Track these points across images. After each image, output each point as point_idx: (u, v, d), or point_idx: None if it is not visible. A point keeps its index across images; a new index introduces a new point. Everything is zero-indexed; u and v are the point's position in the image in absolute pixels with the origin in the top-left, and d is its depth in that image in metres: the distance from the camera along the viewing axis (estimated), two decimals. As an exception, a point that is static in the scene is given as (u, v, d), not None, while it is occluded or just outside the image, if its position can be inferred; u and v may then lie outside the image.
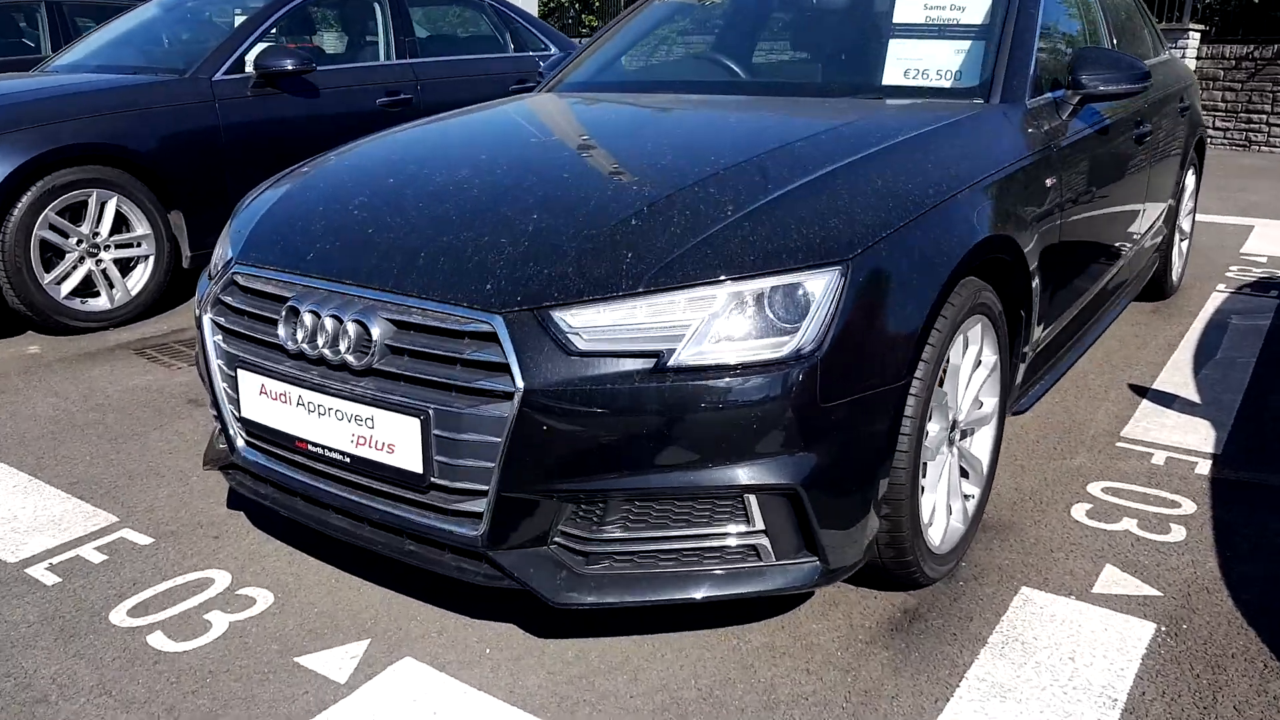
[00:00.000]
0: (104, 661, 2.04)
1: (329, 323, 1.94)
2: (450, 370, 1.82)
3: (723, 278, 1.76)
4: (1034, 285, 2.48)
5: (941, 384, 2.18)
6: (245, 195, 2.63)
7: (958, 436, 2.30)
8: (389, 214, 2.10)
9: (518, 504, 1.80)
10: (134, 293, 4.43)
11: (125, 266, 4.43)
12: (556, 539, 1.85)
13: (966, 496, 2.42)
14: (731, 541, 1.83)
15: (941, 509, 2.25)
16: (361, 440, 1.92)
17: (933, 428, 2.15)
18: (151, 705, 1.91)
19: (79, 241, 4.24)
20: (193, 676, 1.99)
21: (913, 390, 1.94)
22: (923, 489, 2.17)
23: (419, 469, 1.86)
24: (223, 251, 2.36)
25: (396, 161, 2.46)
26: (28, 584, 2.34)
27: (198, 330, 2.29)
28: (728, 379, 1.71)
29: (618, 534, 1.82)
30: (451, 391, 1.82)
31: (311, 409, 1.98)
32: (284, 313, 2.02)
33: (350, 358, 1.91)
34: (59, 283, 4.21)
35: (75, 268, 4.26)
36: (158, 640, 2.11)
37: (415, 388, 1.85)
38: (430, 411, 1.81)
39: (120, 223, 4.36)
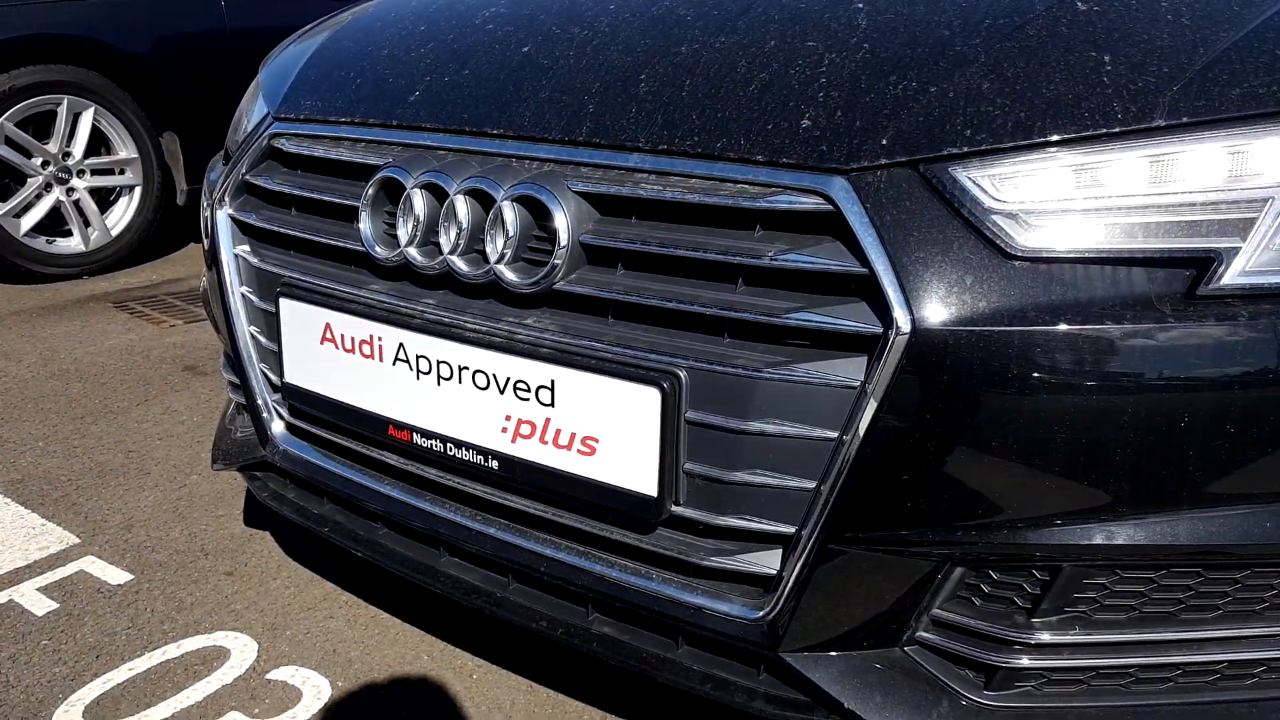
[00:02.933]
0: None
1: (463, 206, 1.02)
2: (726, 294, 0.90)
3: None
4: None
5: None
6: (279, 45, 1.69)
7: None
8: (558, 22, 1.17)
9: (859, 563, 0.89)
10: (115, 232, 3.47)
11: (105, 200, 3.48)
12: (925, 634, 0.93)
13: None
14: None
15: None
16: (525, 428, 1.01)
17: None
18: None
19: (44, 163, 3.28)
20: None
21: None
22: None
23: (649, 488, 0.94)
24: (248, 118, 1.43)
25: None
26: (-78, 653, 1.43)
27: (207, 240, 1.36)
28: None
29: (1064, 637, 0.90)
30: (728, 336, 0.90)
31: (424, 368, 1.07)
32: (371, 192, 1.10)
33: (508, 271, 1.00)
34: (17, 215, 3.26)
35: (39, 197, 3.30)
36: (133, 773, 1.20)
37: (648, 331, 0.94)
38: (682, 375, 0.90)
39: (99, 143, 3.41)
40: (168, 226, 3.69)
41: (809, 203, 0.87)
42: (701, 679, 1.00)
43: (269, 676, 1.38)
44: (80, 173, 3.38)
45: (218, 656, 1.42)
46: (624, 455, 0.95)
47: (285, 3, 3.84)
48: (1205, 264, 0.82)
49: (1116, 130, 0.84)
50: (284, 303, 1.20)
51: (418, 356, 1.07)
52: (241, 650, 1.44)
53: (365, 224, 1.11)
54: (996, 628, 0.91)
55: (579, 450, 0.98)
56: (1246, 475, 0.83)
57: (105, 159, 3.42)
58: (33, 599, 1.56)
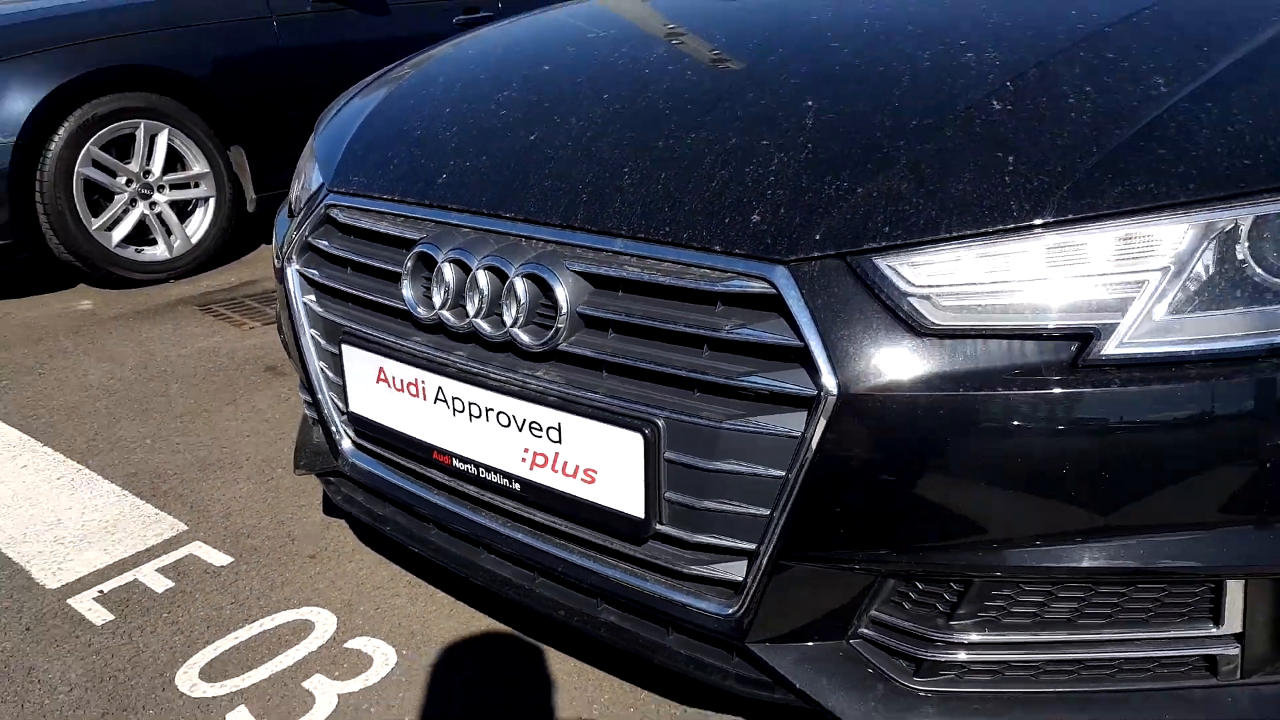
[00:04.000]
0: (169, 763, 1.43)
1: (484, 279, 1.25)
2: (693, 358, 1.12)
3: (1197, 197, 1.00)
4: None
5: None
6: (329, 106, 1.93)
7: None
8: (559, 111, 1.39)
9: (806, 575, 1.11)
10: (194, 240, 3.80)
11: (183, 211, 3.81)
12: (865, 630, 1.15)
13: None
14: (1173, 651, 1.10)
15: None
16: (539, 459, 1.24)
17: None
18: (238, 847, 1.29)
19: (128, 181, 3.61)
20: (296, 793, 1.37)
21: None
22: None
23: (637, 510, 1.17)
24: (307, 178, 1.67)
25: (549, 42, 1.72)
26: (72, 623, 1.74)
27: (280, 287, 1.62)
28: (1211, 379, 0.97)
29: (977, 636, 1.11)
30: (697, 392, 1.12)
31: (459, 408, 1.31)
32: (410, 263, 1.34)
33: (521, 333, 1.22)
34: (109, 229, 3.60)
35: (126, 211, 3.64)
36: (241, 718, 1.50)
37: (634, 384, 1.16)
38: (660, 423, 1.12)
39: (175, 160, 3.72)
40: (241, 232, 4.02)
41: (757, 287, 1.07)
42: (687, 661, 1.23)
43: (346, 645, 1.66)
44: (160, 188, 3.70)
45: (305, 628, 1.71)
46: (618, 484, 1.17)
47: (331, 24, 4.07)
48: (1087, 338, 1.00)
49: (1011, 226, 1.01)
50: (345, 348, 1.44)
51: (453, 398, 1.31)
52: (324, 623, 1.72)
53: (407, 289, 1.34)
54: (922, 628, 1.12)
55: (582, 479, 1.21)
56: (1116, 512, 1.01)
57: (181, 174, 3.73)
58: (153, 579, 1.87)
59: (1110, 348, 0.99)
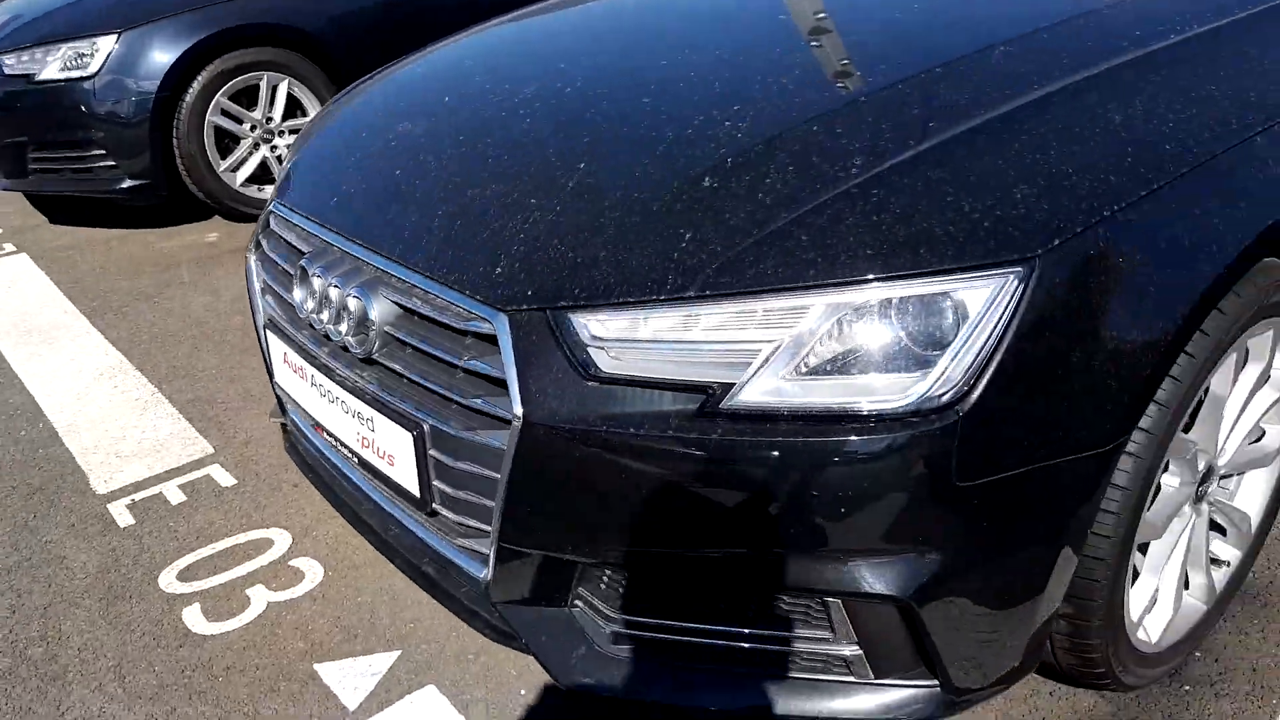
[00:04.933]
0: (132, 637, 1.89)
1: (334, 293, 1.56)
2: (450, 378, 1.39)
3: (814, 283, 1.17)
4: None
5: (1188, 429, 1.48)
6: (329, 102, 2.26)
7: (1212, 486, 1.59)
8: (427, 152, 1.65)
9: (523, 556, 1.38)
10: (307, 181, 4.33)
11: (300, 154, 4.33)
12: (578, 602, 1.41)
13: (1217, 562, 1.71)
14: (803, 647, 1.31)
15: (1170, 589, 1.58)
16: (365, 442, 1.56)
17: (1169, 486, 1.47)
18: (156, 704, 1.73)
19: (252, 127, 4.15)
20: (207, 671, 1.79)
21: (1132, 449, 1.28)
22: (1137, 573, 1.52)
23: (417, 493, 1.47)
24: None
25: (469, 72, 1.98)
26: (104, 523, 2.25)
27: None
28: (805, 436, 1.15)
29: (647, 618, 1.35)
30: (451, 406, 1.39)
31: (323, 392, 1.64)
32: (298, 271, 1.66)
33: (351, 341, 1.53)
34: (234, 170, 4.18)
35: (250, 154, 4.20)
36: (192, 617, 1.94)
37: (412, 394, 1.44)
38: (426, 428, 1.40)
39: (294, 107, 4.23)
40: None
41: (486, 328, 1.32)
42: (468, 612, 1.53)
43: (290, 563, 2.07)
44: (281, 133, 4.22)
45: (266, 545, 2.13)
46: (405, 470, 1.47)
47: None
48: (715, 391, 1.19)
49: (664, 297, 1.21)
50: (268, 332, 1.80)
51: (320, 385, 1.64)
52: (282, 542, 2.14)
53: (296, 291, 1.67)
54: (609, 606, 1.37)
55: (387, 462, 1.51)
56: (725, 532, 1.21)
57: (300, 120, 4.23)
58: (173, 493, 2.36)
59: (733, 400, 1.18)
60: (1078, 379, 1.16)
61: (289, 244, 1.77)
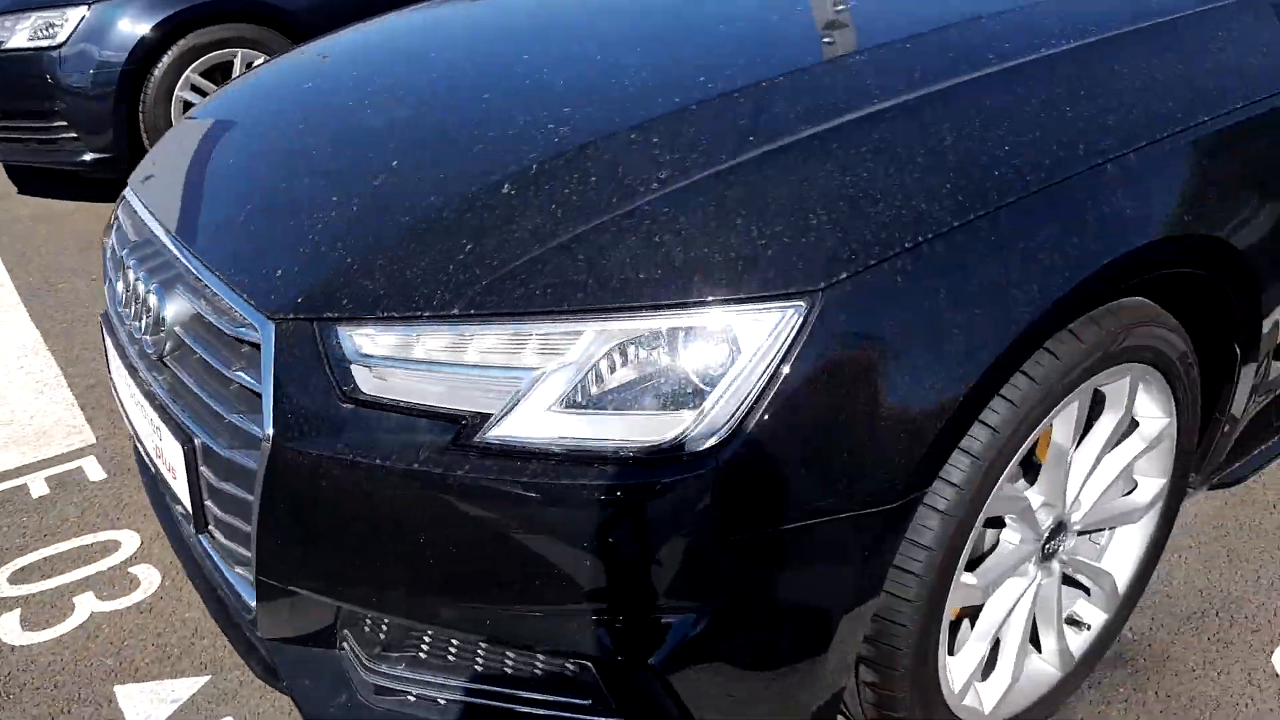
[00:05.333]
0: (-61, 638, 1.77)
1: (139, 288, 1.43)
2: (224, 389, 1.25)
3: (580, 307, 1.02)
4: (1264, 318, 1.44)
5: (1033, 480, 1.32)
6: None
7: (1069, 543, 1.42)
8: (264, 144, 1.53)
9: (282, 592, 1.24)
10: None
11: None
12: (345, 645, 1.26)
13: (1078, 624, 1.54)
14: (567, 716, 1.14)
15: (1011, 653, 1.41)
16: (159, 452, 1.43)
17: (1008, 543, 1.32)
18: (-64, 714, 1.61)
19: (223, 110, 4.09)
20: (9, 684, 1.67)
21: (940, 505, 1.12)
22: (950, 650, 1.35)
23: (191, 511, 1.33)
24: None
25: (342, 63, 1.85)
26: (-44, 511, 2.14)
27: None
28: (551, 477, 1.01)
29: (405, 672, 1.20)
30: (222, 420, 1.26)
31: (130, 394, 1.51)
32: (118, 262, 1.54)
33: (147, 338, 1.40)
34: (201, 154, 4.11)
35: (217, 137, 4.13)
36: (9, 624, 1.81)
37: (191, 403, 1.31)
38: (196, 443, 1.27)
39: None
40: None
41: (255, 337, 1.19)
42: (246, 645, 1.39)
43: (129, 569, 1.94)
44: (249, 115, 4.15)
45: (111, 548, 2.01)
46: (181, 485, 1.34)
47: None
48: (470, 421, 1.05)
49: (429, 315, 1.07)
50: (102, 325, 1.68)
51: (128, 385, 1.51)
52: (128, 546, 2.01)
53: (117, 282, 1.55)
54: (368, 654, 1.22)
55: (170, 474, 1.38)
56: (469, 578, 1.07)
57: (270, 104, 4.16)
58: (38, 485, 2.24)
59: (487, 433, 1.04)
60: (862, 427, 1.01)
61: (123, 232, 1.65)
